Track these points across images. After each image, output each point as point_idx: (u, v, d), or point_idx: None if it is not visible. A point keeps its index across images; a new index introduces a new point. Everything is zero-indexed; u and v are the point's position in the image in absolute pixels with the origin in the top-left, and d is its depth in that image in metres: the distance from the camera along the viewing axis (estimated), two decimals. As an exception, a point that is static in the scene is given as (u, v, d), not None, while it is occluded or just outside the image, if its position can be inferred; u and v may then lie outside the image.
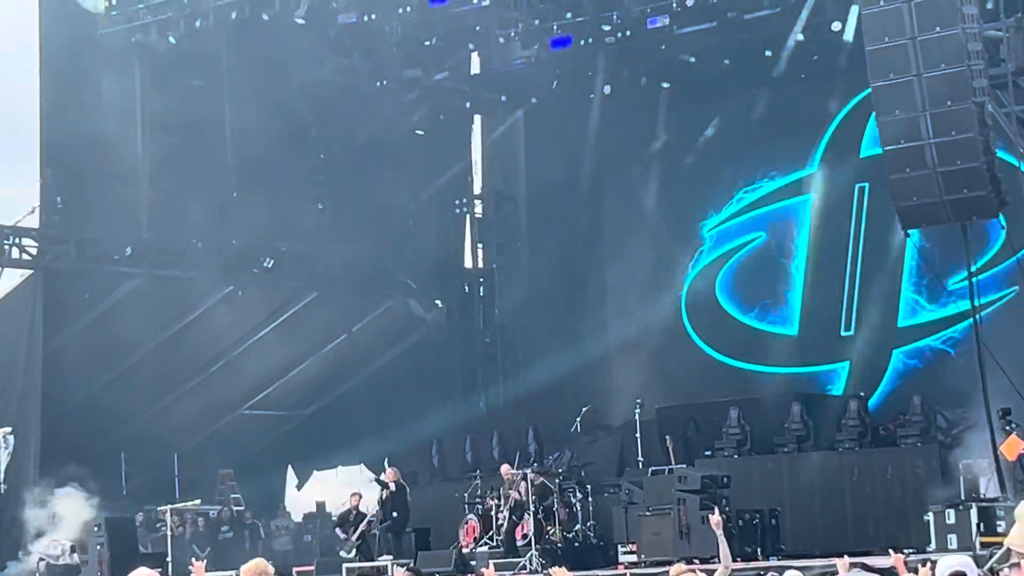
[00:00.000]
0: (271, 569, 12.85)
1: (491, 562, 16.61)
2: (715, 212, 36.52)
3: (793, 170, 35.57)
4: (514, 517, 28.90)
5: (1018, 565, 3.73)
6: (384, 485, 30.24)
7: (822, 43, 33.29)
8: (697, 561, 22.19)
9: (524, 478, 28.87)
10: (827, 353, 34.66)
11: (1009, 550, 3.78)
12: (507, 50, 36.11)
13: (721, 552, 15.62)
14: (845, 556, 15.47)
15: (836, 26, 32.42)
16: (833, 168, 34.89)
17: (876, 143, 28.87)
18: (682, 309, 36.67)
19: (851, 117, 34.28)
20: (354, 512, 30.23)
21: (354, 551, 29.85)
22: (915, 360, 33.58)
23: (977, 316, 27.12)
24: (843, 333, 34.52)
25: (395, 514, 30.10)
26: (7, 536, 30.48)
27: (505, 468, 30.13)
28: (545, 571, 23.75)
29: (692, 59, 35.42)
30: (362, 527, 29.79)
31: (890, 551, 15.54)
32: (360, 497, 30.52)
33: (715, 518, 16.17)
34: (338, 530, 30.65)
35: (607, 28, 33.48)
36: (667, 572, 15.14)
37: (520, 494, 28.85)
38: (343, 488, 37.05)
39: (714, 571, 15.07)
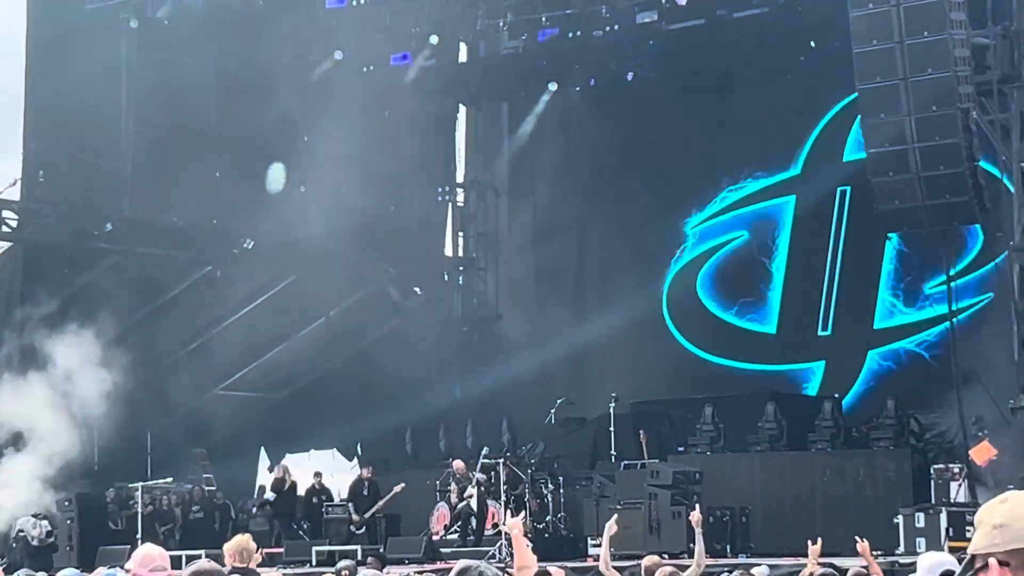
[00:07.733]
0: (253, 545, 12.79)
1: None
2: (699, 210, 36.54)
3: (778, 171, 35.66)
4: (483, 507, 28.90)
5: (985, 567, 3.74)
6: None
7: (810, 45, 33.41)
8: (666, 556, 22.21)
9: (474, 480, 28.82)
10: (803, 352, 34.92)
11: (974, 557, 3.79)
12: (495, 40, 36.13)
13: (697, 548, 15.61)
14: (820, 540, 15.40)
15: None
16: (816, 170, 34.99)
17: (860, 148, 28.95)
18: (663, 304, 36.69)
19: (837, 120, 34.39)
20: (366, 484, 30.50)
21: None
22: (889, 362, 33.76)
23: (953, 321, 27.21)
24: (820, 333, 34.74)
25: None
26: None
27: (458, 464, 29.95)
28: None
29: (679, 56, 35.45)
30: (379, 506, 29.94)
31: (856, 538, 15.39)
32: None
33: (695, 515, 16.15)
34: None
35: (595, 22, 33.52)
36: (639, 565, 15.09)
37: (477, 488, 28.78)
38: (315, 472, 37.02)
39: (685, 567, 15.06)
